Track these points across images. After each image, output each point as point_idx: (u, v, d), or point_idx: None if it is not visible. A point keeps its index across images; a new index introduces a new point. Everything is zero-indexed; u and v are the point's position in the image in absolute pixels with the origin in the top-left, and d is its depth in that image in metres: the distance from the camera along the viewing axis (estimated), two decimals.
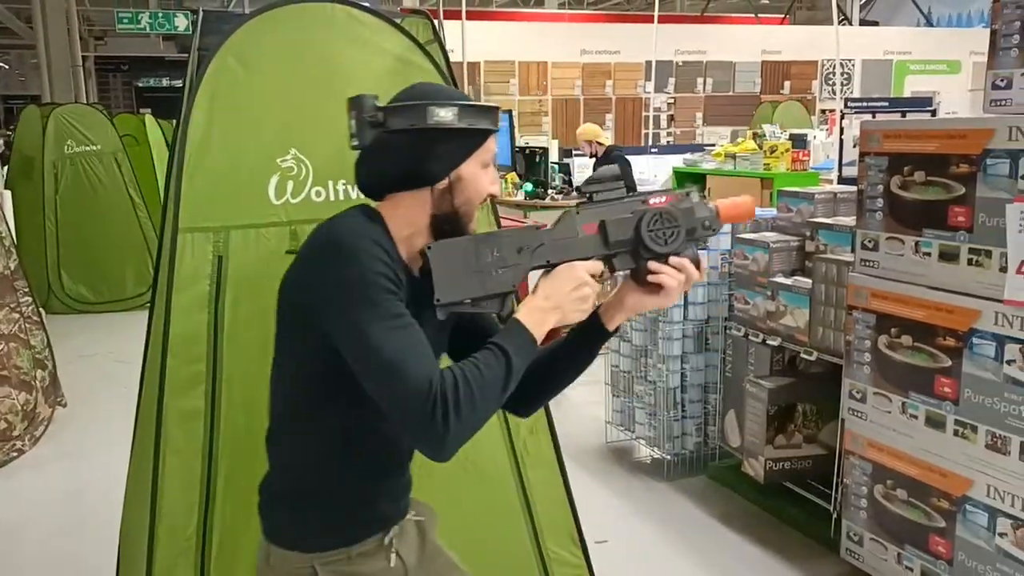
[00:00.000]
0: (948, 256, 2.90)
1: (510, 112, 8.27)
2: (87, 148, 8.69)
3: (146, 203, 8.79)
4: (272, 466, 1.75)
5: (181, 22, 14.98)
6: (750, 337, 4.00)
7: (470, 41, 8.68)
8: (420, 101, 1.57)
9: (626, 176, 7.78)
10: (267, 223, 2.24)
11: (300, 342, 1.62)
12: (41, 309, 5.83)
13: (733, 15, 18.81)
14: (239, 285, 2.21)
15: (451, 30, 7.88)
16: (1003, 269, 2.70)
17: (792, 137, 7.66)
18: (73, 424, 5.42)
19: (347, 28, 2.29)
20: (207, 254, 2.18)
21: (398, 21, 2.39)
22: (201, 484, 2.22)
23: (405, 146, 1.58)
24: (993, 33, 2.82)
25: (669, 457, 4.45)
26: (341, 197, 2.31)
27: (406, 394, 1.44)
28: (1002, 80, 2.79)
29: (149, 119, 10.90)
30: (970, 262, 2.83)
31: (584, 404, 5.52)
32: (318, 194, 2.28)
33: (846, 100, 8.36)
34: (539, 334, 1.59)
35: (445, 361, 1.64)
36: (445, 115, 1.57)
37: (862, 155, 3.23)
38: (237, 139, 2.20)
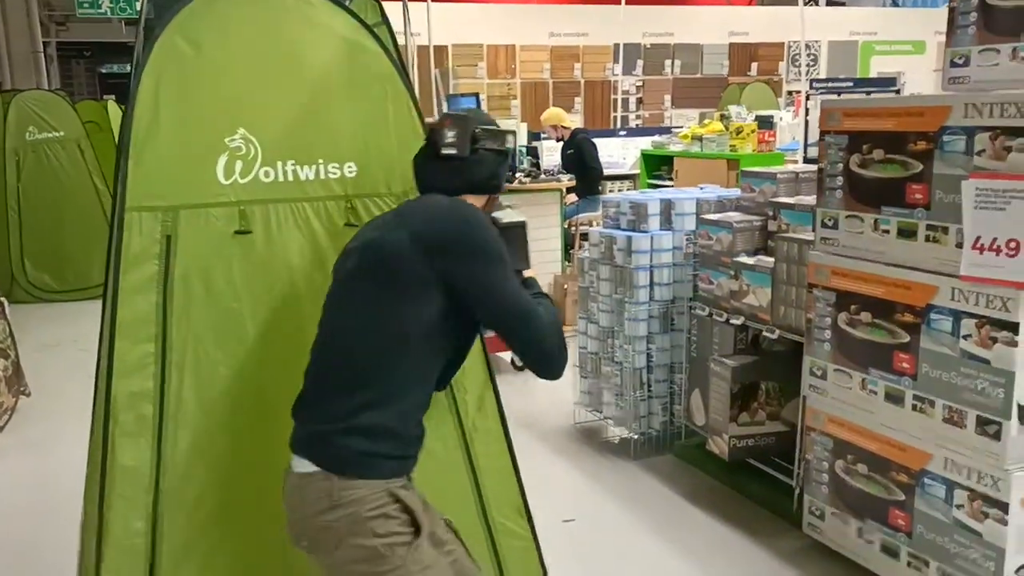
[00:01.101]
0: (906, 233, 2.92)
1: (477, 95, 8.23)
2: (49, 135, 8.57)
3: (110, 190, 8.66)
4: (348, 403, 1.90)
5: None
6: (714, 317, 4.02)
7: (437, 24, 8.59)
8: (502, 128, 2.12)
9: (591, 159, 7.80)
10: (216, 203, 2.22)
11: (411, 296, 1.89)
12: (3, 299, 5.75)
13: None
14: (188, 265, 2.20)
15: (417, 12, 7.79)
16: (959, 245, 2.72)
17: (758, 118, 7.67)
18: (37, 413, 5.35)
19: (295, 8, 2.27)
20: (155, 234, 2.16)
21: (346, 3, 2.36)
22: (151, 465, 2.19)
23: (492, 162, 2.10)
24: (952, 11, 2.83)
25: (636, 436, 4.47)
26: (290, 178, 2.29)
27: (541, 334, 1.93)
28: (960, 58, 2.81)
29: (112, 105, 10.77)
30: (927, 239, 2.85)
31: (552, 386, 5.49)
32: (267, 174, 2.27)
33: (812, 81, 8.38)
34: None
35: None
36: (511, 142, 2.15)
37: (822, 134, 3.24)
38: (184, 118, 2.18)
